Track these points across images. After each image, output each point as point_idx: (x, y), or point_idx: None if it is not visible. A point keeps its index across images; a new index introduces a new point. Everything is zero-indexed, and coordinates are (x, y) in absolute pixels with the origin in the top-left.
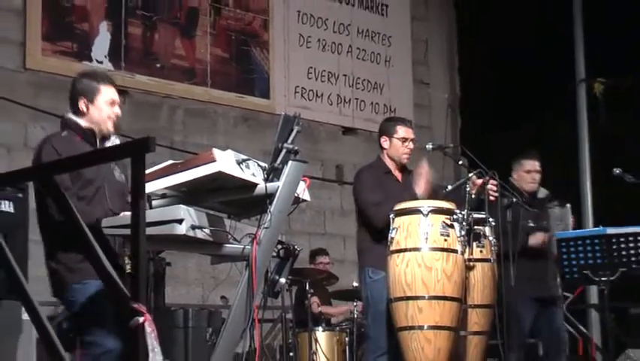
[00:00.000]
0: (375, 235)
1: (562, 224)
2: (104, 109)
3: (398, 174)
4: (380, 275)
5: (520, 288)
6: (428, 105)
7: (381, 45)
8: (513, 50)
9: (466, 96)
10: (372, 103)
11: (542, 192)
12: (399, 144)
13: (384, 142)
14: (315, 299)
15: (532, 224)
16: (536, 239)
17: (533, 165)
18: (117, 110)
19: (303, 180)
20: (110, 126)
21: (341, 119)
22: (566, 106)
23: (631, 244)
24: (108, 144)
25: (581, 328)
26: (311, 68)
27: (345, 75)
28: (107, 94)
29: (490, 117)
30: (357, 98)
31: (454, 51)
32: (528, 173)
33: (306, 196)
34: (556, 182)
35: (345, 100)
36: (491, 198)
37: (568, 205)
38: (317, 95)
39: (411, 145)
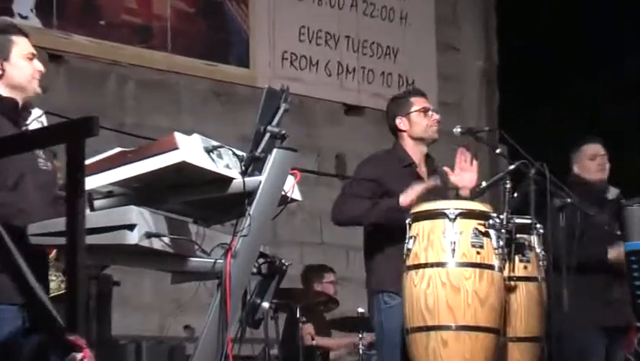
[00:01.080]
0: (390, 246)
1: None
2: (23, 65)
3: (424, 170)
4: (398, 300)
5: (586, 315)
6: (457, 76)
7: None
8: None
9: (506, 65)
10: (383, 73)
11: (613, 192)
12: (421, 117)
13: (401, 123)
14: (308, 329)
15: (607, 226)
16: (619, 252)
17: (597, 148)
18: (39, 65)
19: (292, 174)
20: (36, 87)
21: (343, 94)
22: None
23: None
24: (31, 119)
25: None
26: (303, 27)
27: (347, 37)
28: (22, 45)
29: (538, 93)
30: (363, 67)
31: (490, 5)
32: (593, 159)
33: (297, 195)
34: (620, 176)
35: (347, 69)
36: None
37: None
38: (311, 62)
39: (436, 115)
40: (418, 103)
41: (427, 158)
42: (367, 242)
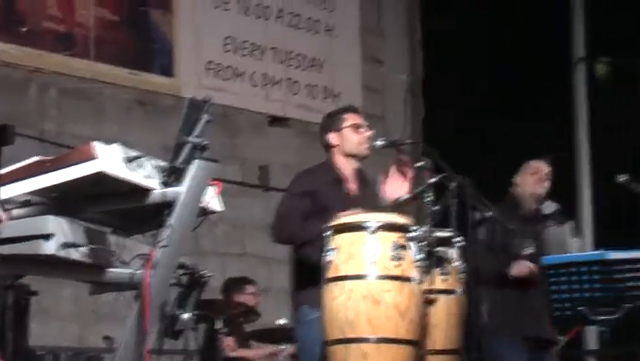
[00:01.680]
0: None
1: (559, 247)
2: None
3: (354, 186)
4: (317, 313)
5: (506, 326)
6: (382, 89)
7: (322, 9)
8: (493, 19)
9: (430, 78)
10: (308, 85)
11: (550, 207)
12: (352, 133)
13: (334, 139)
14: (229, 341)
15: (528, 248)
16: (520, 269)
17: (541, 165)
18: None
19: (212, 185)
20: None
21: (268, 105)
22: (559, 92)
23: (639, 273)
24: None
25: None
26: (229, 37)
27: (273, 48)
28: None
29: (462, 106)
30: (289, 79)
31: (415, 19)
32: (534, 174)
33: (217, 206)
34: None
35: (273, 80)
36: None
37: (567, 224)
38: (236, 73)
39: (367, 131)
40: (350, 119)
41: (358, 173)
42: (293, 254)
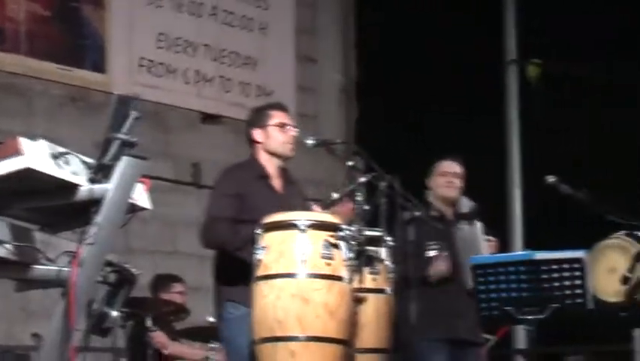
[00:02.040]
0: (237, 257)
1: (470, 248)
2: None
3: (278, 182)
4: (242, 310)
5: (426, 327)
6: (315, 88)
7: (256, 7)
8: (427, 20)
9: (364, 78)
10: (241, 83)
11: (466, 205)
12: (278, 132)
13: (258, 135)
14: (160, 337)
15: (434, 246)
16: (436, 269)
17: (450, 166)
18: None
19: (141, 182)
20: None
21: (200, 102)
22: (491, 94)
23: (565, 273)
24: None
25: None
26: (162, 34)
27: (206, 45)
28: None
29: (396, 106)
30: (222, 76)
31: (350, 19)
32: (443, 176)
33: (146, 203)
34: (478, 191)
35: (206, 78)
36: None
37: (478, 224)
38: (169, 70)
39: (293, 132)
40: (276, 117)
41: (283, 171)
42: (218, 252)
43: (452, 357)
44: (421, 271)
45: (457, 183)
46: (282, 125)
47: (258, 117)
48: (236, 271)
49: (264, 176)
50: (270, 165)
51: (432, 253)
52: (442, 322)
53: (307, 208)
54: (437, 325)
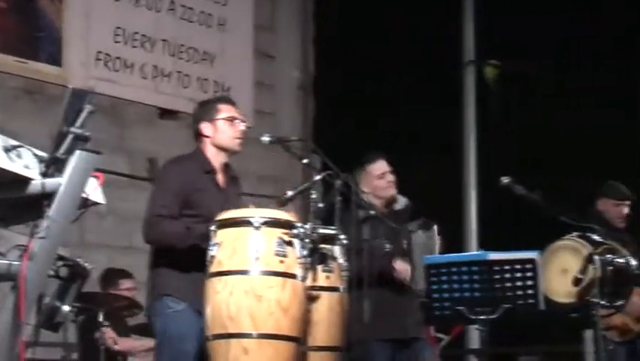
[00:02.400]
0: (178, 253)
1: (426, 252)
2: None
3: (221, 178)
4: (182, 305)
5: (375, 327)
6: (273, 85)
7: (215, 3)
8: (386, 19)
9: (322, 75)
10: (199, 78)
11: (401, 202)
12: (227, 126)
13: (206, 129)
14: (110, 333)
15: (388, 246)
16: (402, 272)
17: (384, 165)
18: None
19: (94, 177)
20: None
21: (158, 97)
22: (448, 94)
23: (517, 274)
24: None
25: None
26: (119, 28)
27: (164, 40)
28: None
29: (354, 104)
30: (179, 72)
31: (309, 15)
32: (382, 177)
33: (99, 198)
34: (433, 191)
35: (163, 73)
36: None
37: (434, 227)
38: (126, 64)
39: (242, 127)
40: (225, 110)
41: (226, 166)
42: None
43: (399, 356)
44: (375, 269)
45: (393, 179)
46: (231, 120)
47: (206, 111)
48: (175, 265)
49: (210, 171)
50: (216, 159)
51: (386, 249)
52: (392, 322)
53: (245, 205)
54: (386, 324)
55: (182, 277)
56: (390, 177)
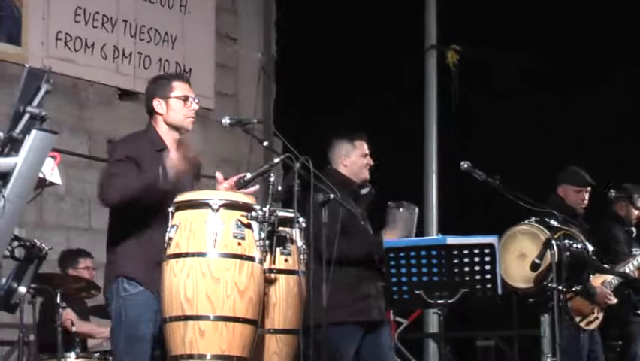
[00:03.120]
0: (134, 233)
1: (404, 231)
2: None
3: (174, 155)
4: (139, 288)
5: (340, 310)
6: (234, 67)
7: None
8: (349, 2)
9: (285, 58)
10: (160, 60)
11: (365, 189)
12: (179, 104)
13: (158, 106)
14: (68, 315)
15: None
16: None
17: (366, 146)
18: None
19: (51, 157)
20: None
21: (118, 78)
22: (410, 78)
23: (476, 259)
24: None
25: None
26: (79, 8)
27: (125, 21)
28: None
29: (316, 87)
30: (140, 53)
31: None
32: (364, 157)
33: (56, 178)
34: (394, 175)
35: (124, 54)
36: None
37: (416, 209)
38: (86, 44)
39: (195, 106)
40: (179, 89)
41: (179, 143)
42: (112, 225)
43: (365, 339)
44: (339, 251)
45: (372, 163)
46: (184, 98)
47: (159, 87)
48: (131, 246)
49: (162, 148)
50: (168, 137)
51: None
52: (357, 304)
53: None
54: (352, 308)
55: (139, 258)
56: (370, 161)
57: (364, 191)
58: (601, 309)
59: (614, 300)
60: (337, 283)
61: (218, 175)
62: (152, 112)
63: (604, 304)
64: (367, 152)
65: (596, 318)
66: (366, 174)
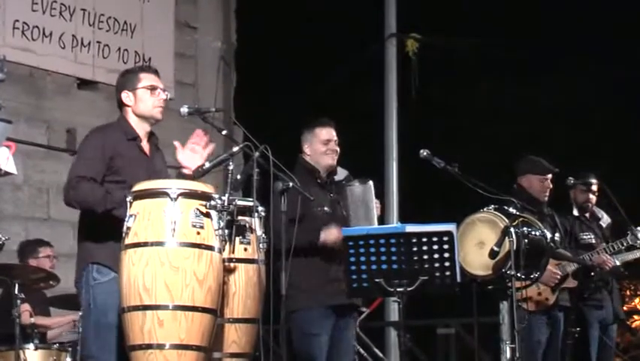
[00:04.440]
0: (105, 221)
1: (362, 206)
2: None
3: (147, 145)
4: (110, 276)
5: (311, 296)
6: (194, 55)
7: None
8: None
9: (245, 47)
10: (119, 49)
11: (342, 173)
12: (147, 95)
13: (127, 98)
14: (25, 307)
15: (327, 209)
16: (331, 235)
17: (331, 133)
18: None
19: (6, 146)
20: None
21: (76, 67)
22: (370, 67)
23: (435, 246)
24: None
25: (376, 351)
26: None
27: (83, 10)
28: None
29: (276, 75)
30: (99, 42)
31: None
32: (327, 143)
33: (11, 168)
34: (354, 162)
35: (82, 43)
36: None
37: (370, 182)
38: (44, 33)
39: (163, 95)
40: (146, 79)
41: (151, 135)
42: (83, 215)
43: (337, 323)
44: (302, 239)
45: (337, 150)
46: (152, 89)
47: (127, 80)
48: (102, 232)
49: (134, 138)
50: (140, 127)
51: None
52: (327, 289)
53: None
54: (322, 292)
55: (109, 246)
56: (334, 146)
57: (340, 177)
58: (552, 291)
59: (558, 276)
60: (304, 271)
61: (177, 143)
62: (121, 105)
63: (551, 284)
64: (330, 138)
65: (546, 299)
66: (327, 160)
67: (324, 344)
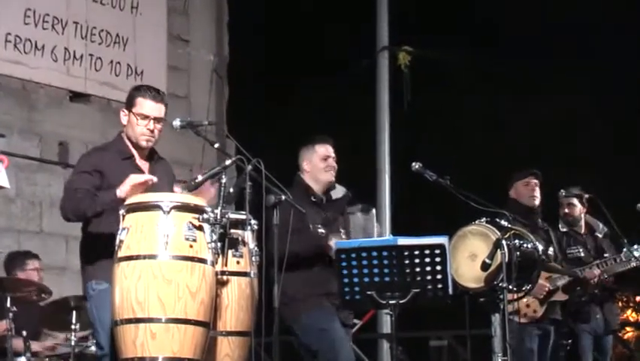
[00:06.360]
0: (103, 240)
1: (362, 235)
2: None
3: (145, 163)
4: (105, 285)
5: (315, 298)
6: (186, 68)
7: None
8: (302, 5)
9: (237, 60)
10: (111, 62)
11: (340, 191)
12: (135, 121)
13: (124, 117)
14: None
15: (322, 230)
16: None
17: (329, 149)
18: None
19: None
20: None
21: (69, 80)
22: (362, 79)
23: (427, 259)
24: None
25: None
26: (29, 9)
27: (76, 23)
28: None
29: (268, 89)
30: (91, 55)
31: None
32: (325, 160)
33: (4, 181)
34: (347, 176)
35: (75, 56)
36: None
37: (373, 211)
38: (36, 47)
39: (152, 125)
40: (141, 105)
41: (151, 152)
42: (85, 230)
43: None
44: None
45: (335, 166)
46: (143, 117)
47: (129, 98)
48: (97, 249)
49: (129, 156)
50: (135, 145)
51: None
52: (324, 302)
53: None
54: (325, 296)
55: (104, 259)
56: (332, 163)
57: (338, 194)
58: (540, 303)
59: (546, 289)
60: (304, 283)
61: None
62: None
63: (539, 297)
64: (329, 155)
65: (534, 311)
66: (327, 177)
67: (343, 333)
